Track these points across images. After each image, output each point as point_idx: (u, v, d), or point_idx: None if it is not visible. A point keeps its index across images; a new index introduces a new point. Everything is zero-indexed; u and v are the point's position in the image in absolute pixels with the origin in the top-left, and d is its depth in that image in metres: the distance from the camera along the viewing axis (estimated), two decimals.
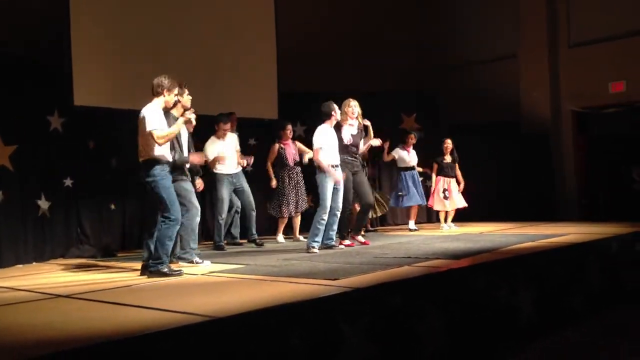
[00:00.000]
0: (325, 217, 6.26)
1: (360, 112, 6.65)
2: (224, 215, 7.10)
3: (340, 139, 6.54)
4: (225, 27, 8.46)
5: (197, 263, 5.40)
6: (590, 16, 10.48)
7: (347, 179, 6.53)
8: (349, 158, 6.60)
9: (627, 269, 6.11)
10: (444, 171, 8.72)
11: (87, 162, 7.20)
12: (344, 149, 6.56)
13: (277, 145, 7.57)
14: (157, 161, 4.86)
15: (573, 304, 5.24)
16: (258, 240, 7.26)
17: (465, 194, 8.83)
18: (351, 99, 6.66)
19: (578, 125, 10.76)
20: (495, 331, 4.35)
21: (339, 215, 6.45)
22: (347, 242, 6.65)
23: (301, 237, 7.64)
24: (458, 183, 8.80)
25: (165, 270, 4.80)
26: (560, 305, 5.09)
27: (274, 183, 7.53)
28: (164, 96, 4.96)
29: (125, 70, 7.21)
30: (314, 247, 6.17)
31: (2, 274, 5.54)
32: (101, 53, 7.12)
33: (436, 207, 8.85)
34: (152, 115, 4.86)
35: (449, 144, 8.71)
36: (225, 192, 7.06)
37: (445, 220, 8.84)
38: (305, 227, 7.97)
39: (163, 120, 4.95)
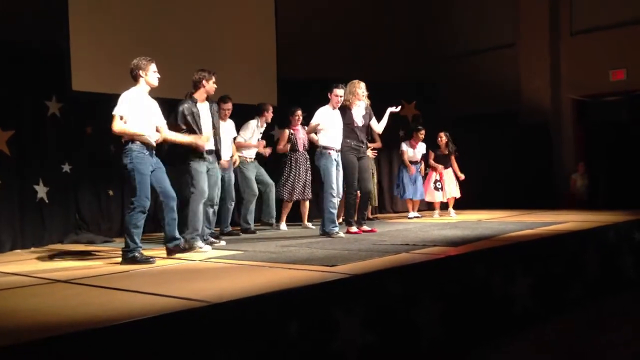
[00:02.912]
0: (335, 200, 6.24)
1: (367, 92, 6.63)
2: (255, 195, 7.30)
3: (350, 122, 6.51)
4: (224, 13, 8.41)
5: (199, 248, 5.41)
6: (591, 4, 10.42)
7: (352, 164, 6.51)
8: (355, 143, 6.56)
9: (625, 257, 6.12)
10: (439, 162, 8.76)
11: (86, 147, 7.19)
12: (350, 132, 6.53)
13: (287, 131, 7.59)
14: (134, 143, 4.84)
15: (570, 291, 5.25)
16: (232, 230, 7.19)
17: (463, 182, 8.84)
18: (358, 80, 6.63)
19: (578, 114, 10.73)
20: (492, 318, 4.36)
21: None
22: (353, 229, 6.58)
23: (310, 225, 7.63)
24: (455, 175, 8.81)
25: (137, 256, 4.77)
26: (558, 293, 5.10)
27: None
28: (142, 77, 4.90)
29: (123, 55, 7.11)
30: (336, 232, 6.18)
31: (0, 259, 5.55)
32: (100, 38, 7.08)
33: (427, 199, 8.89)
34: (123, 100, 4.83)
35: (442, 137, 8.73)
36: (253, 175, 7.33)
37: (447, 208, 8.87)
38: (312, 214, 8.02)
39: (140, 106, 4.88)
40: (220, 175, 6.02)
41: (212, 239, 5.89)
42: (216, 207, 6.83)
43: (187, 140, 5.30)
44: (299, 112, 7.59)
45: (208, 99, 5.71)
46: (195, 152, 5.48)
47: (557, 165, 10.58)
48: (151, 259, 4.79)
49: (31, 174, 6.52)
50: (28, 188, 6.48)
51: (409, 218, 8.70)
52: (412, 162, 8.76)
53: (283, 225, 7.59)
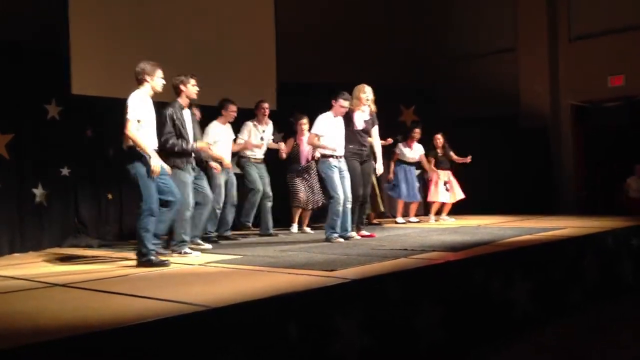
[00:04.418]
0: (340, 207, 6.18)
1: (373, 98, 6.57)
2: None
3: (351, 125, 6.48)
4: (224, 16, 8.43)
5: (185, 254, 5.37)
6: (590, 10, 10.45)
7: (354, 170, 6.48)
8: (357, 147, 6.53)
9: (624, 263, 6.13)
10: (441, 164, 8.76)
11: (85, 151, 7.18)
12: (353, 136, 6.49)
13: (292, 140, 7.53)
14: (136, 148, 4.80)
15: (569, 296, 5.25)
16: (231, 235, 7.09)
17: (463, 186, 8.85)
18: (365, 85, 6.58)
19: (577, 119, 10.75)
20: (492, 323, 4.36)
21: (349, 205, 6.34)
22: (352, 234, 6.51)
23: (308, 229, 7.54)
24: (455, 168, 8.79)
25: (152, 259, 4.77)
26: (557, 298, 5.10)
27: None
28: (148, 82, 4.89)
29: (123, 59, 7.14)
30: (335, 238, 6.14)
31: None
32: (100, 42, 7.08)
33: (440, 199, 8.81)
34: (134, 103, 4.79)
35: (439, 139, 8.75)
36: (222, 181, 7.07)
37: (440, 213, 8.87)
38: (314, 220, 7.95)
39: (148, 109, 4.87)
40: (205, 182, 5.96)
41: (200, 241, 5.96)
42: (218, 211, 6.84)
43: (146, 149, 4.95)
44: (304, 121, 7.37)
45: (190, 105, 5.65)
46: (180, 161, 5.44)
47: (556, 170, 10.59)
48: (166, 262, 4.81)
49: (30, 178, 6.52)
50: (27, 191, 6.48)
51: (397, 223, 8.65)
52: (409, 163, 8.76)
53: (294, 228, 7.50)
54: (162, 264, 4.76)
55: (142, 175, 4.80)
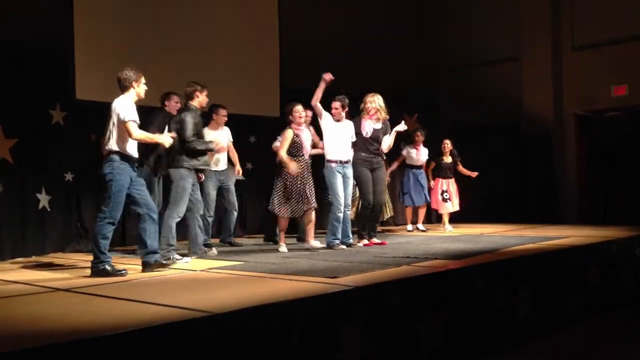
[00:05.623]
0: (341, 214, 6.19)
1: (381, 106, 6.53)
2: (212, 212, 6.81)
3: (358, 133, 6.48)
4: (227, 22, 8.48)
5: (174, 259, 5.32)
6: (593, 20, 10.49)
7: (365, 176, 6.47)
8: (366, 155, 6.52)
9: (626, 273, 6.11)
10: (443, 172, 8.73)
11: (88, 156, 7.19)
12: (362, 144, 6.49)
13: (290, 131, 6.26)
14: (122, 155, 4.74)
15: (571, 306, 5.24)
16: (233, 241, 7.04)
17: (464, 193, 8.82)
18: (371, 93, 6.61)
19: (580, 128, 10.76)
20: (493, 331, 4.35)
21: (347, 211, 6.37)
22: (364, 242, 6.49)
23: (313, 243, 6.33)
24: (463, 179, 8.76)
25: (108, 268, 4.65)
26: (559, 307, 5.09)
27: (293, 167, 6.09)
28: (134, 88, 4.87)
29: (128, 65, 7.19)
30: (337, 245, 6.13)
31: (1, 267, 5.55)
32: (104, 47, 7.12)
33: (439, 210, 8.83)
34: (127, 106, 4.75)
35: (447, 144, 8.73)
36: (211, 189, 6.77)
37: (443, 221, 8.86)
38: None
39: (136, 114, 4.83)
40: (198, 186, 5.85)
41: (206, 248, 5.85)
42: (209, 219, 6.75)
43: (157, 139, 5.07)
44: (299, 108, 6.33)
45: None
46: (181, 165, 5.46)
47: (558, 179, 10.59)
48: (123, 271, 4.68)
49: (34, 182, 6.53)
50: (30, 196, 6.48)
51: (408, 231, 8.65)
52: (414, 166, 8.72)
53: (283, 247, 6.19)
54: (120, 273, 4.63)
55: (115, 182, 4.69)
